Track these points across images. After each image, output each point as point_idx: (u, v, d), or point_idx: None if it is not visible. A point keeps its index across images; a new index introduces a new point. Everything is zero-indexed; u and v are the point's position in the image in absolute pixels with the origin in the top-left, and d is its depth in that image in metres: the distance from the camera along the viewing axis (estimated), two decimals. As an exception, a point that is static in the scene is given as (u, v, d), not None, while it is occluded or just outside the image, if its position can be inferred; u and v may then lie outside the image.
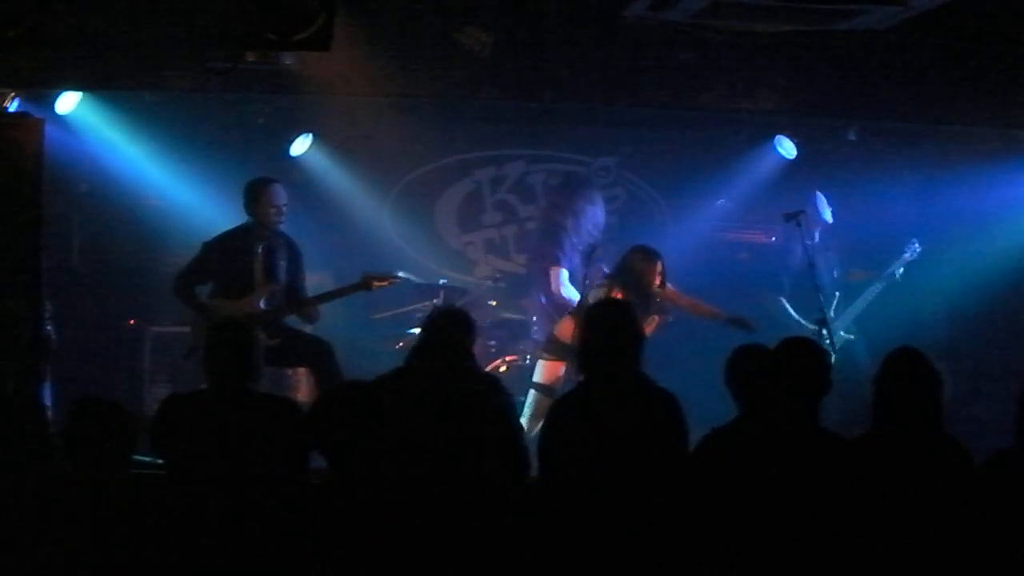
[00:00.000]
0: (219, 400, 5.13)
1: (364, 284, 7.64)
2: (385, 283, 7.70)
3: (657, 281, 7.70)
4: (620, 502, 4.85)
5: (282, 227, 7.71)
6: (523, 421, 7.09)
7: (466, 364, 5.60)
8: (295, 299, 7.64)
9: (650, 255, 7.77)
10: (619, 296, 7.52)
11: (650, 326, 7.45)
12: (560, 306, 8.24)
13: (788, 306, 8.62)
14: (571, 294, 8.19)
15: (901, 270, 8.77)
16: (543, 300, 8.49)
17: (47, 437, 4.89)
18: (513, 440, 5.26)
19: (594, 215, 8.40)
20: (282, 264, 7.62)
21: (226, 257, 7.55)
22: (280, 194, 7.60)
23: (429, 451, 5.06)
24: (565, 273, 8.25)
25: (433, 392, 5.30)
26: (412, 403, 5.23)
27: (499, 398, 5.45)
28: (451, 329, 5.61)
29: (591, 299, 7.57)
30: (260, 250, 7.57)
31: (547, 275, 8.32)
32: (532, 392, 7.84)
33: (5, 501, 4.50)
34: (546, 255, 8.39)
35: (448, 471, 5.02)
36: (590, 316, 5.57)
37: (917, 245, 8.77)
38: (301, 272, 7.73)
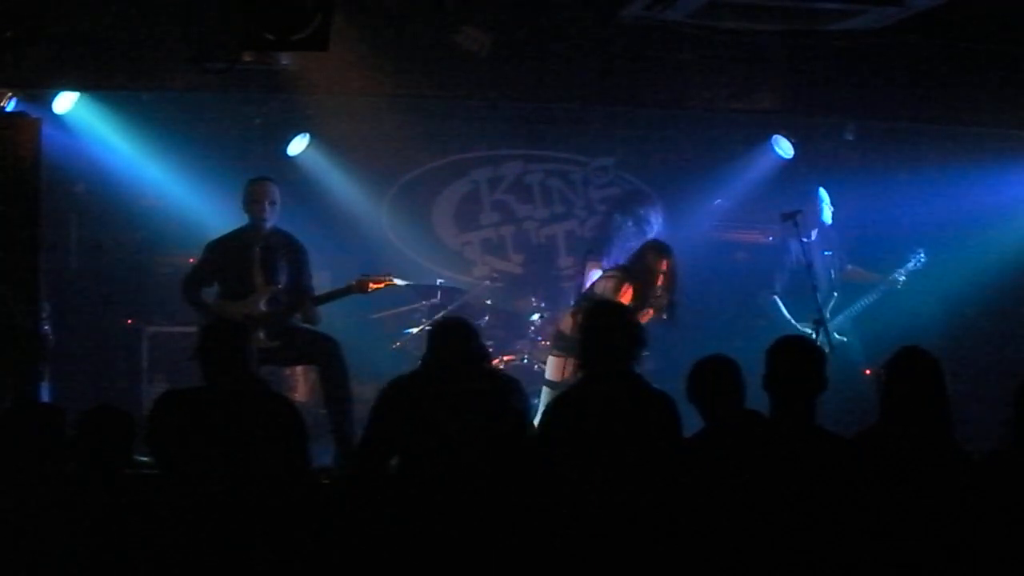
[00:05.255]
0: (214, 398, 5.13)
1: (359, 287, 7.55)
2: (380, 286, 7.60)
3: (660, 280, 7.68)
4: (615, 502, 4.85)
5: (277, 225, 7.51)
6: (538, 419, 7.08)
7: (484, 365, 5.60)
8: (297, 299, 7.51)
9: (661, 251, 7.75)
10: (629, 289, 7.54)
11: (644, 317, 7.44)
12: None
13: (782, 306, 8.59)
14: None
15: (903, 278, 8.72)
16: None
17: (60, 439, 4.87)
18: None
19: (656, 224, 8.50)
20: (282, 264, 7.47)
21: (225, 258, 7.48)
22: (264, 190, 7.44)
23: (446, 452, 5.07)
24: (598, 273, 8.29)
25: (454, 393, 5.27)
26: (435, 404, 5.22)
27: (517, 401, 5.44)
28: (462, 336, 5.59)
29: (598, 290, 7.65)
30: (257, 251, 7.49)
31: (586, 269, 8.45)
32: (545, 389, 7.83)
33: (9, 501, 4.50)
34: (593, 252, 8.60)
35: (464, 472, 5.02)
36: (588, 317, 5.58)
37: (922, 255, 8.66)
38: (306, 270, 7.56)
